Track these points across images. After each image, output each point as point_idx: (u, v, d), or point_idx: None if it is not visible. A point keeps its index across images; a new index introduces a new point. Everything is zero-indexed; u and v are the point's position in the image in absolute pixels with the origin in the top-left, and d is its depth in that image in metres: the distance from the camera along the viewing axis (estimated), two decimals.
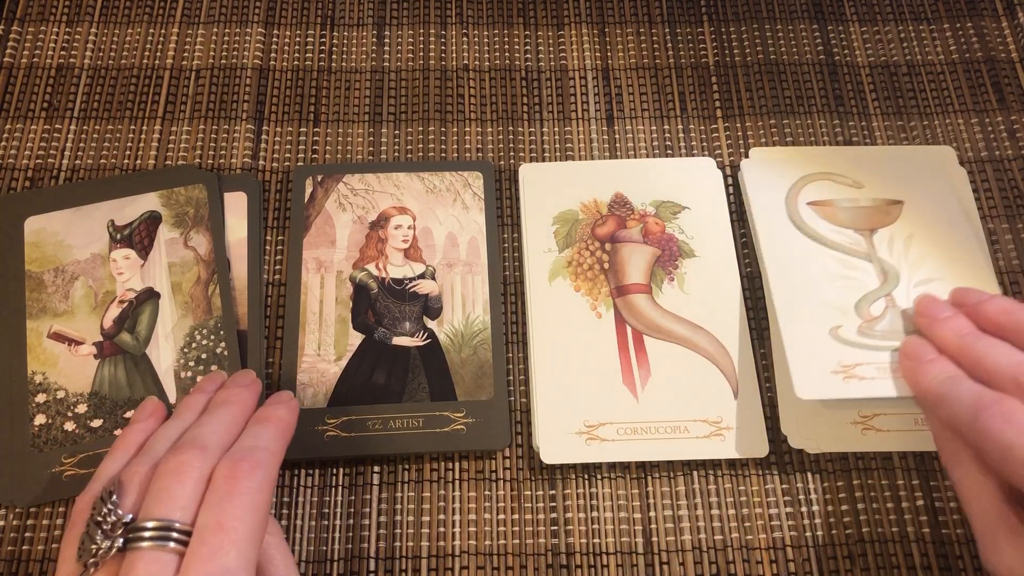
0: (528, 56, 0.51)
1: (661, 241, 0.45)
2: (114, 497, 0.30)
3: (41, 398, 0.41)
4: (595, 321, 0.42)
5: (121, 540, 0.28)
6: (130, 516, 0.29)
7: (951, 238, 0.44)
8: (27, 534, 0.39)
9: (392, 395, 0.41)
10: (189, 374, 0.41)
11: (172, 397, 0.41)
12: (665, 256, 0.44)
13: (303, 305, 0.43)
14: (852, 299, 0.42)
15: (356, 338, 0.42)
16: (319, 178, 0.45)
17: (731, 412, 0.41)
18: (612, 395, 0.41)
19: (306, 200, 0.45)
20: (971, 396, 0.32)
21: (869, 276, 0.42)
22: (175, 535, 0.28)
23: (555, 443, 0.40)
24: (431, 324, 0.42)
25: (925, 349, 0.37)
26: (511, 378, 0.42)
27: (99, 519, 0.29)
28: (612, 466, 0.41)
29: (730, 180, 0.47)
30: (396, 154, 0.48)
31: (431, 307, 0.42)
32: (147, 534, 0.28)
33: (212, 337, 0.42)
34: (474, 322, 0.42)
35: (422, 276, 0.43)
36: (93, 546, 0.29)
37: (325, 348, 0.42)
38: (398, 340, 0.42)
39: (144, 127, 0.48)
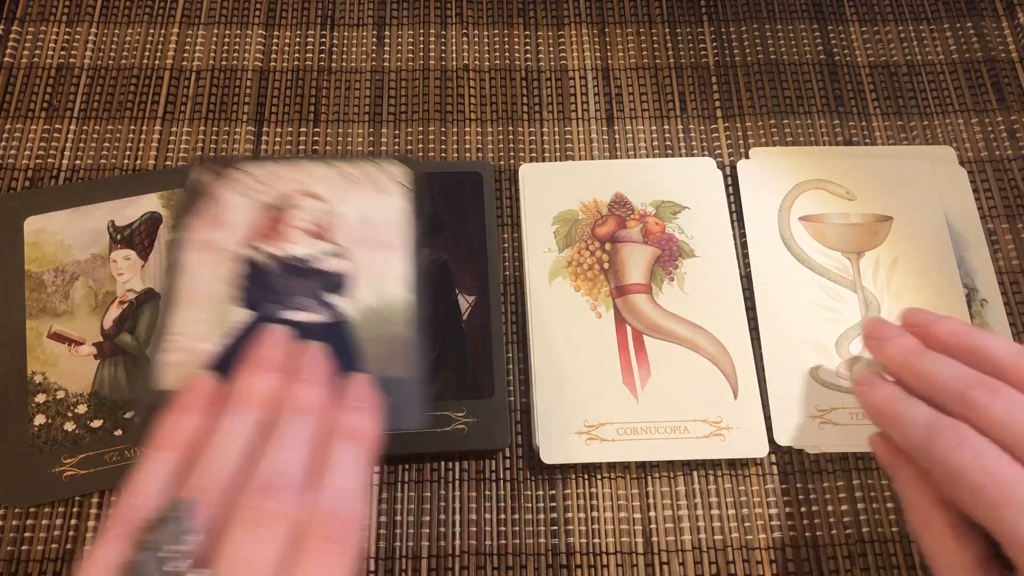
0: (528, 56, 0.51)
1: (661, 241, 0.45)
2: (188, 537, 0.25)
3: (41, 398, 0.41)
4: (595, 321, 0.42)
5: None
6: (207, 573, 0.24)
7: (933, 263, 0.45)
8: (27, 534, 0.39)
9: None
10: None
11: None
12: (665, 256, 0.44)
13: (180, 285, 0.39)
14: (833, 336, 0.43)
15: (242, 314, 0.38)
16: (220, 169, 0.41)
17: (731, 412, 0.41)
18: (612, 395, 0.41)
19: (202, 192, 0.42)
20: (925, 419, 0.31)
21: (852, 308, 0.43)
22: None
23: (555, 443, 0.40)
24: (334, 299, 0.39)
25: (875, 374, 0.35)
26: (511, 378, 0.42)
27: (164, 555, 0.25)
28: (612, 466, 0.41)
29: (730, 180, 0.48)
30: (396, 154, 0.48)
31: (336, 283, 0.40)
32: None
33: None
34: (386, 298, 0.39)
35: (327, 254, 0.40)
36: None
37: (200, 326, 0.38)
38: (294, 315, 0.39)
39: (144, 127, 0.48)
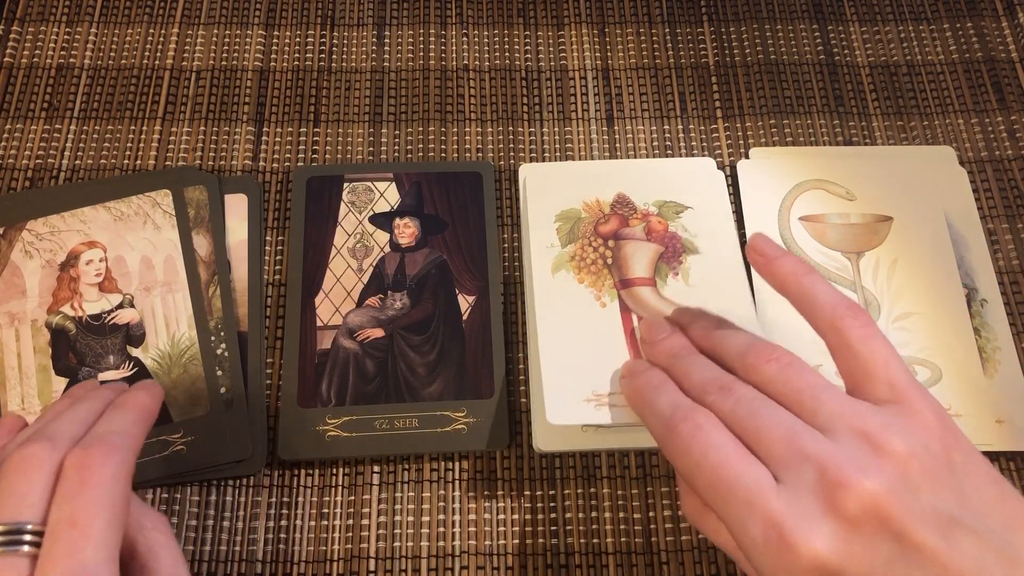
0: (528, 56, 0.51)
1: (664, 239, 0.45)
2: None
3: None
4: (600, 310, 0.42)
5: None
6: None
7: (933, 263, 0.45)
8: None
9: None
10: None
11: None
12: (669, 252, 0.44)
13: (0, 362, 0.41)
14: None
15: (60, 383, 0.41)
16: (2, 230, 0.43)
17: None
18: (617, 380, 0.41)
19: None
20: (667, 407, 0.31)
21: None
22: (27, 537, 0.26)
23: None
24: (136, 352, 0.41)
25: (640, 365, 0.36)
26: (511, 378, 0.42)
27: None
28: (612, 466, 0.41)
29: (730, 180, 0.48)
30: (396, 154, 0.48)
31: (133, 335, 0.41)
32: None
33: (212, 339, 0.42)
34: (180, 340, 0.41)
35: (120, 306, 0.42)
36: None
37: (29, 400, 0.40)
38: (104, 376, 0.41)
39: (144, 127, 0.48)
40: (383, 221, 0.45)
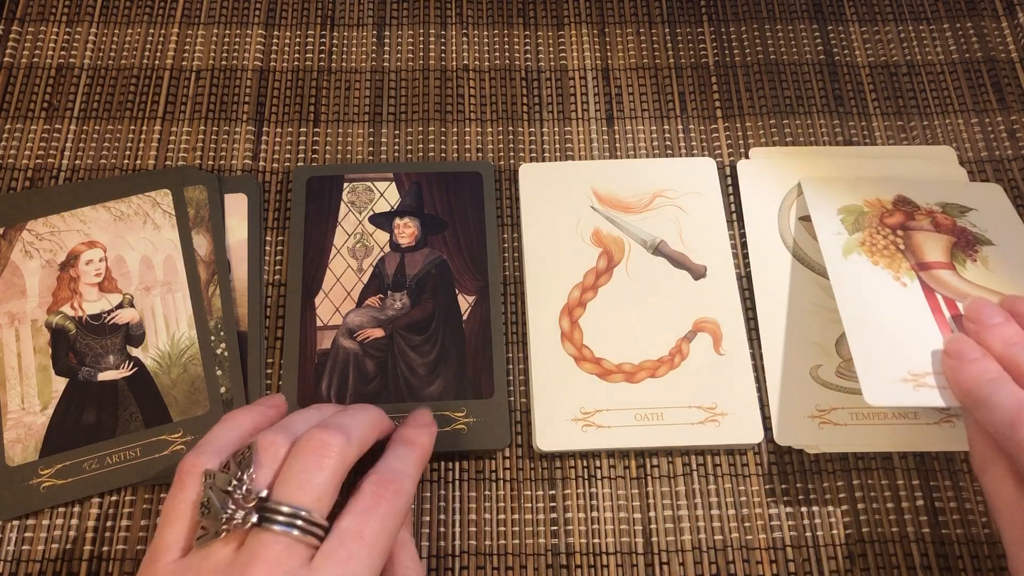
0: (528, 56, 0.51)
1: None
2: (252, 470, 0.29)
3: None
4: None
5: (255, 516, 0.28)
6: (265, 492, 0.29)
7: None
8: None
9: (105, 432, 0.40)
10: None
11: None
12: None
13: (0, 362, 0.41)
14: (833, 336, 0.42)
15: (61, 383, 0.41)
16: (2, 230, 0.43)
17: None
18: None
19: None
20: (1013, 403, 0.31)
21: None
22: (302, 523, 0.28)
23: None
24: (136, 352, 0.41)
25: (969, 347, 0.35)
26: (511, 378, 0.42)
27: (228, 488, 0.29)
28: (612, 466, 0.41)
29: (729, 180, 0.48)
30: (396, 154, 0.48)
31: (133, 335, 0.42)
32: (280, 517, 0.28)
33: (212, 338, 0.42)
34: (180, 340, 0.41)
35: (120, 306, 0.42)
36: (224, 515, 0.28)
37: (29, 400, 0.40)
38: (103, 375, 0.41)
39: (144, 127, 0.48)
40: (383, 221, 0.45)
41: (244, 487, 0.29)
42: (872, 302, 0.40)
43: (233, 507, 0.28)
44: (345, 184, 0.46)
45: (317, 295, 0.43)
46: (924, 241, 0.42)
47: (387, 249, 0.45)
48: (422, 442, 0.34)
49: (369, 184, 0.46)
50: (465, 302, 0.44)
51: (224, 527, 0.28)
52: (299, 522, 0.28)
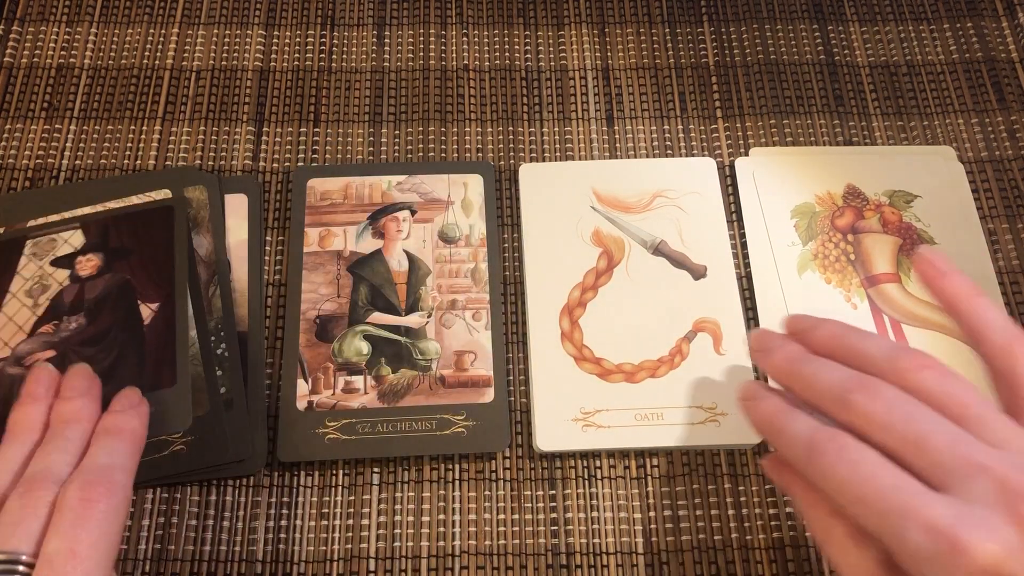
0: (528, 56, 0.51)
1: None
2: None
3: None
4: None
5: None
6: None
7: None
8: None
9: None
10: None
11: None
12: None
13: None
14: None
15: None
16: (1, 230, 0.43)
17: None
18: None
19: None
20: (806, 432, 0.30)
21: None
22: (22, 568, 0.28)
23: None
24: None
25: (759, 386, 0.34)
26: (511, 378, 0.42)
27: None
28: (612, 466, 0.41)
29: (729, 180, 0.48)
30: (396, 154, 0.48)
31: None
32: None
33: (212, 338, 0.42)
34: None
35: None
36: None
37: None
38: None
39: (144, 127, 0.48)
40: (64, 261, 0.44)
41: None
42: None
43: None
44: (27, 242, 0.44)
45: None
46: (872, 247, 0.44)
47: (66, 283, 0.43)
48: (131, 427, 0.33)
49: (53, 236, 0.44)
50: (148, 309, 0.42)
51: None
52: (12, 567, 0.28)
